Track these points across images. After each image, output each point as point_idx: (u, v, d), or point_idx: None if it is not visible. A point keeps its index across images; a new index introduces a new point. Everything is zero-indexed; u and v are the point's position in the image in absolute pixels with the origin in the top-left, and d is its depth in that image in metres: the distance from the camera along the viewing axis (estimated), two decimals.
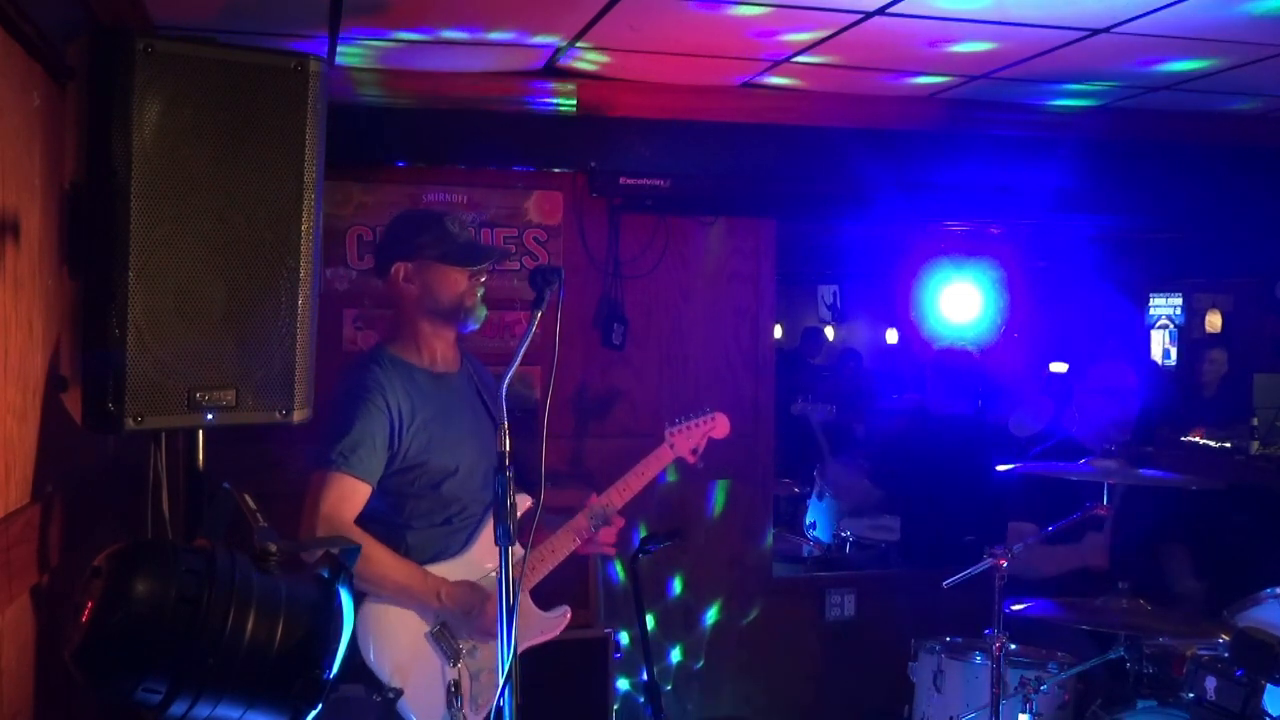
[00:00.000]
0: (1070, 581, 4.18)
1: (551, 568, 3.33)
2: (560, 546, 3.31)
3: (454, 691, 3.09)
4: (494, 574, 3.19)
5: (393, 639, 3.08)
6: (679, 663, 5.09)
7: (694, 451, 3.50)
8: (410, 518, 3.17)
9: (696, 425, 3.51)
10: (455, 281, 3.13)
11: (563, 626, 3.38)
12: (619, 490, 3.38)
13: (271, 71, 2.54)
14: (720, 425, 3.55)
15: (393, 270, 3.17)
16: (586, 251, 4.92)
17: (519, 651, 3.20)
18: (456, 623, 3.15)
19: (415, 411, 3.13)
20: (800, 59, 4.14)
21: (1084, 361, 4.66)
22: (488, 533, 3.21)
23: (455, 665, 3.13)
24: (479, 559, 3.22)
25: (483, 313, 3.21)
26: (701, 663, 5.12)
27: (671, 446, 3.48)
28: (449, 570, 3.18)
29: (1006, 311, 6.56)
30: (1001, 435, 5.51)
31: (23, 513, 2.40)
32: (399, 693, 3.01)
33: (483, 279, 3.20)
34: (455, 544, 3.22)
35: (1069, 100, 4.80)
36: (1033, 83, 4.44)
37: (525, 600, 3.29)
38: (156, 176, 2.40)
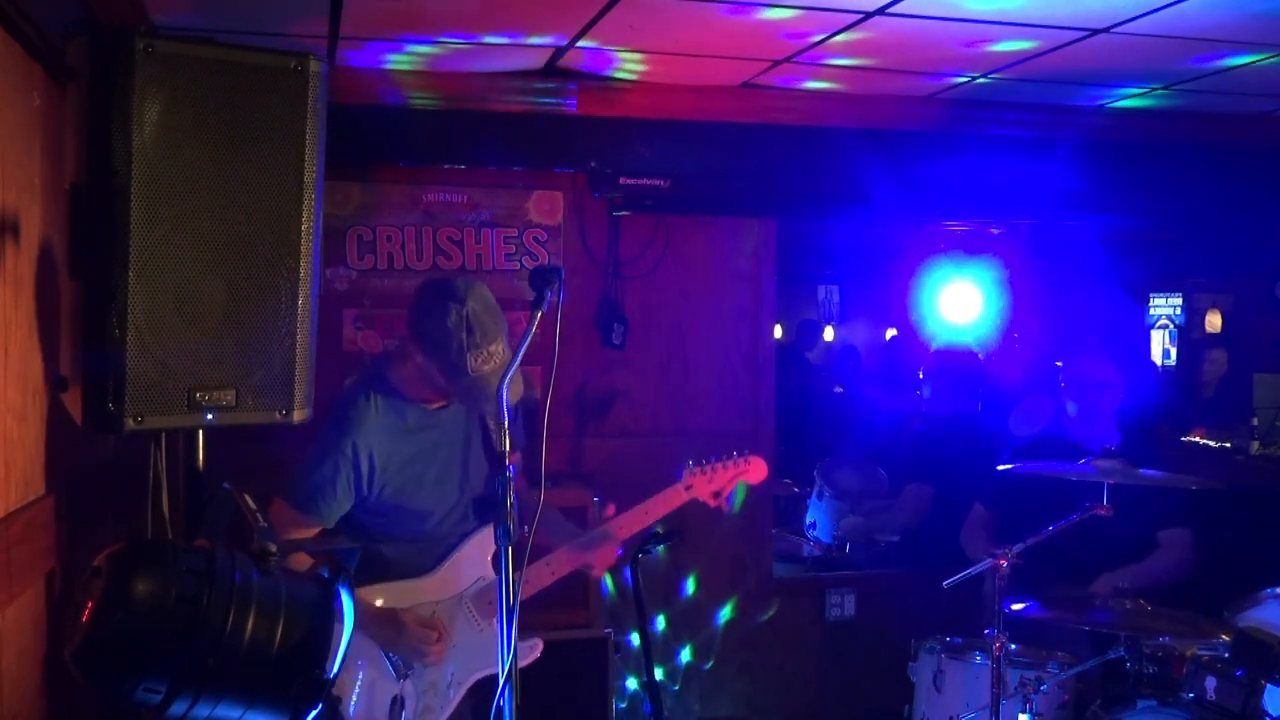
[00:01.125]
0: (1058, 582, 4.17)
1: (543, 587, 3.23)
2: (559, 566, 3.24)
3: (396, 706, 3.07)
4: (445, 600, 3.18)
5: None
6: (680, 663, 5.09)
7: (717, 495, 3.32)
8: (384, 537, 3.16)
9: (724, 468, 3.32)
10: (446, 387, 3.04)
11: (531, 658, 3.24)
12: (618, 526, 3.26)
13: (271, 71, 2.54)
14: (755, 470, 3.34)
15: (410, 343, 3.07)
16: (586, 251, 4.92)
17: (472, 682, 3.15)
18: (385, 647, 3.12)
19: (392, 454, 3.07)
20: (800, 59, 4.13)
21: (1067, 357, 4.65)
22: (461, 556, 3.21)
23: (401, 681, 3.11)
24: (443, 581, 3.20)
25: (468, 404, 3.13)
26: (702, 662, 5.12)
27: (688, 489, 3.29)
28: (413, 587, 3.17)
29: (1006, 311, 6.56)
30: (1002, 434, 5.50)
31: (23, 513, 2.40)
32: (336, 700, 2.99)
33: None
34: (425, 563, 3.21)
35: (1069, 100, 4.80)
36: (1033, 83, 4.44)
37: (489, 628, 3.13)
38: (156, 176, 2.40)
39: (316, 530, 3.05)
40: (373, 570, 3.12)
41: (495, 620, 3.13)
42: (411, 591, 3.16)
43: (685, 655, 5.10)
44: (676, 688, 5.06)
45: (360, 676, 3.10)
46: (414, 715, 3.13)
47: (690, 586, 5.09)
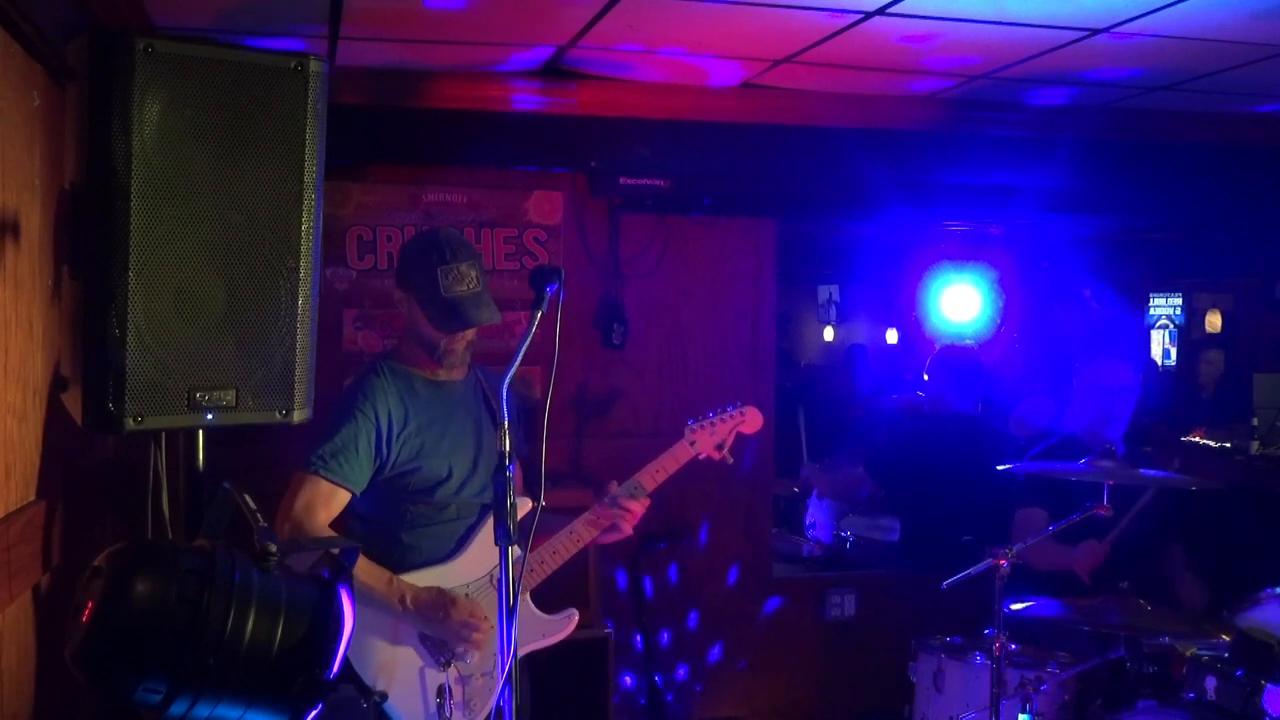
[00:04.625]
0: (1057, 582, 4.17)
1: (570, 555, 3.26)
2: (584, 532, 3.25)
3: (442, 695, 3.07)
4: (475, 582, 3.19)
5: (374, 641, 3.07)
6: (682, 663, 5.09)
7: (720, 447, 3.36)
8: (405, 520, 3.16)
9: (722, 420, 3.37)
10: (429, 330, 3.11)
11: (568, 630, 3.30)
12: (643, 478, 3.30)
13: (271, 71, 2.54)
14: (752, 419, 3.40)
15: (397, 291, 3.19)
16: (586, 251, 4.92)
17: (519, 654, 3.18)
18: (427, 629, 3.12)
19: (407, 419, 3.12)
20: (800, 59, 4.13)
21: (1081, 360, 4.65)
22: (482, 536, 3.20)
23: (445, 668, 3.11)
24: (469, 564, 3.20)
25: (456, 360, 3.16)
26: (702, 663, 5.12)
27: (692, 444, 3.34)
28: (441, 573, 3.16)
29: (1006, 311, 6.56)
30: (1001, 434, 5.50)
31: (23, 512, 2.40)
32: (384, 695, 3.00)
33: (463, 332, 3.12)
34: (449, 547, 3.20)
35: (1069, 100, 4.80)
36: (1033, 83, 4.44)
37: (524, 603, 3.21)
38: (156, 176, 2.40)
39: (344, 502, 3.05)
40: (395, 560, 3.13)
41: (528, 593, 3.21)
42: (439, 577, 3.15)
43: (685, 655, 5.10)
44: (700, 687, 5.06)
45: (404, 670, 3.09)
46: (464, 700, 3.12)
47: (688, 587, 5.09)
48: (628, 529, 3.29)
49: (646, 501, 3.28)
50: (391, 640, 3.09)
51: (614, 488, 3.29)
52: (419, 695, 3.09)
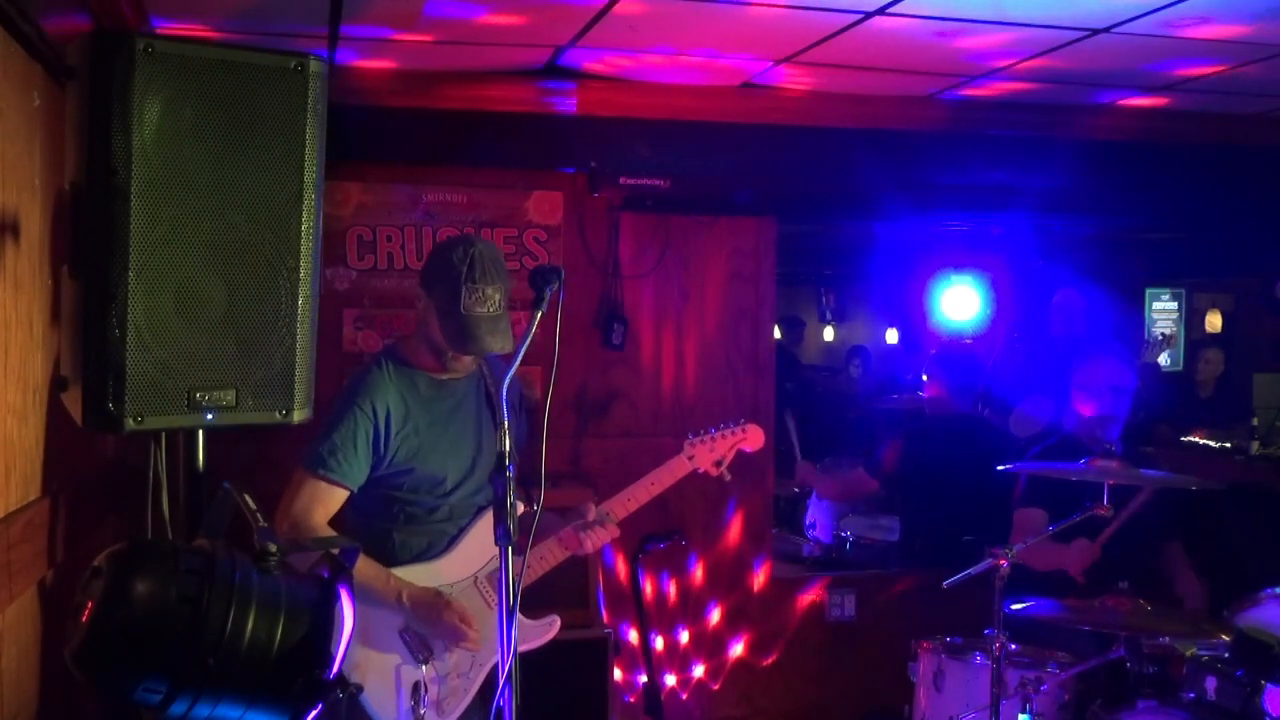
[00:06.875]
0: (1056, 582, 4.17)
1: (540, 574, 3.24)
2: (550, 554, 3.25)
3: (416, 692, 3.06)
4: (459, 582, 3.18)
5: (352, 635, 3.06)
6: (682, 663, 5.09)
7: (718, 464, 3.34)
8: (399, 516, 3.16)
9: (723, 436, 3.35)
10: (440, 338, 3.09)
11: (550, 635, 3.28)
12: (622, 501, 3.28)
13: (271, 71, 2.55)
14: (753, 437, 3.38)
15: (418, 288, 3.17)
16: (586, 251, 4.92)
17: (494, 662, 3.15)
18: (420, 626, 3.12)
19: (407, 417, 3.11)
20: (800, 59, 4.14)
21: (1078, 359, 4.64)
22: (472, 537, 3.20)
23: (422, 666, 3.10)
24: (460, 562, 3.20)
25: (462, 367, 3.16)
26: (703, 663, 5.12)
27: (690, 458, 3.33)
28: (428, 571, 3.16)
29: (1006, 310, 6.56)
30: (1001, 434, 5.50)
31: (23, 513, 2.40)
32: (359, 688, 2.99)
33: None
34: (439, 545, 3.20)
35: (1069, 100, 4.80)
36: (1033, 83, 4.44)
37: None
38: (156, 176, 2.40)
39: (342, 499, 3.05)
40: (386, 554, 3.12)
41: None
42: (425, 575, 3.15)
43: (685, 656, 5.10)
44: (698, 688, 5.06)
45: (379, 664, 3.08)
46: (438, 699, 3.11)
47: (687, 586, 5.09)
48: (589, 548, 3.28)
49: (615, 530, 3.26)
50: (370, 635, 3.07)
51: (593, 509, 3.27)
52: (393, 691, 3.08)
